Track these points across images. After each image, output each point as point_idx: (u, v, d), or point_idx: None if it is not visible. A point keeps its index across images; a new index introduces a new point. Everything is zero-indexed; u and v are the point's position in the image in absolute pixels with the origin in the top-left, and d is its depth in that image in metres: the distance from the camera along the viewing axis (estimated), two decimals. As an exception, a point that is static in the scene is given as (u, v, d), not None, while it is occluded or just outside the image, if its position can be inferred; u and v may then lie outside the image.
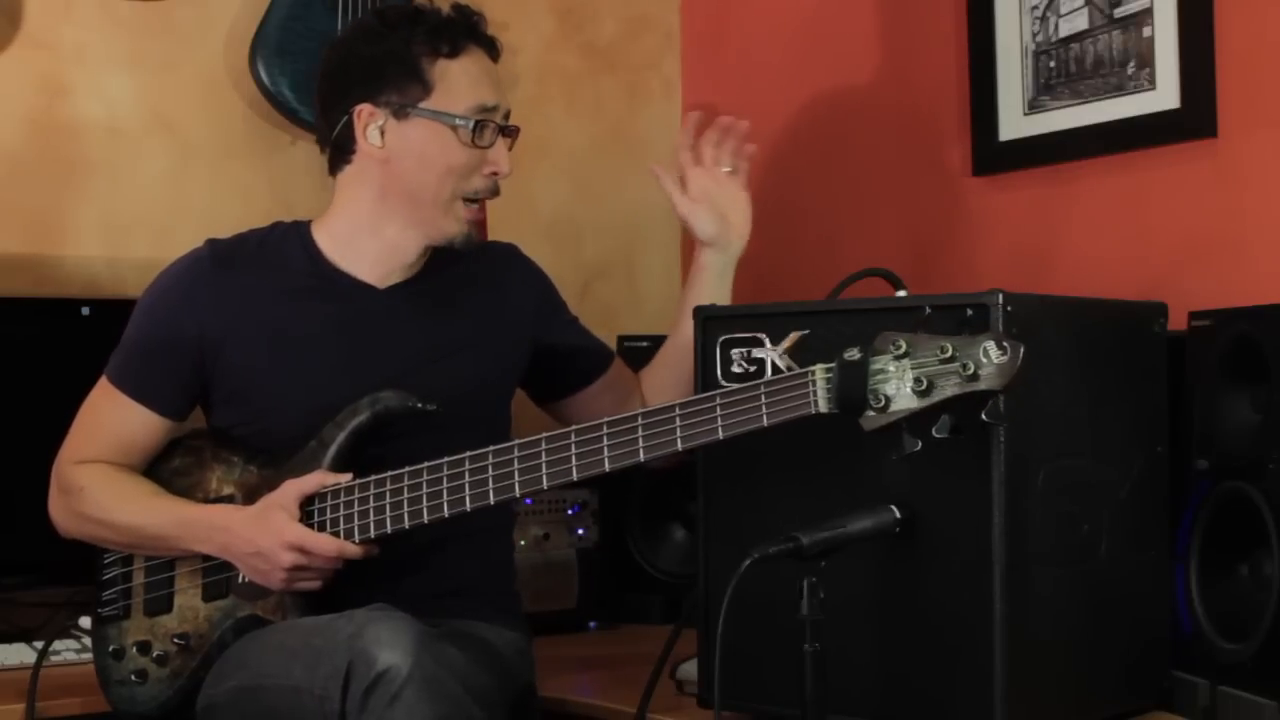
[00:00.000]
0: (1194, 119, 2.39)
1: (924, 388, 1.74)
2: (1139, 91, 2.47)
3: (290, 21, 2.85)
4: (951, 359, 1.73)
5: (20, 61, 2.77)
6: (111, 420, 2.24)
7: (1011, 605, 1.81)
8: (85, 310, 2.67)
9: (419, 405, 2.14)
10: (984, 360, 1.71)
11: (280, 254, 2.27)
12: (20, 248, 2.76)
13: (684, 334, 2.24)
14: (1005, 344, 1.70)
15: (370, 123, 2.21)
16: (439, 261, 2.29)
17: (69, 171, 2.81)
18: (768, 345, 1.99)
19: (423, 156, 2.20)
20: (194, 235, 2.37)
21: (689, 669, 2.16)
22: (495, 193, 2.26)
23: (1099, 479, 1.96)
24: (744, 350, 2.01)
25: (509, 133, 2.25)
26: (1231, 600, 1.97)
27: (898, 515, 1.85)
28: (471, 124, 2.19)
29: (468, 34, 2.23)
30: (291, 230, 2.30)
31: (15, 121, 2.77)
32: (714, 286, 2.37)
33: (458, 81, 2.21)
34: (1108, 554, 1.96)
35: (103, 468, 2.22)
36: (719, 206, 2.39)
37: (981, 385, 1.71)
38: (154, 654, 2.18)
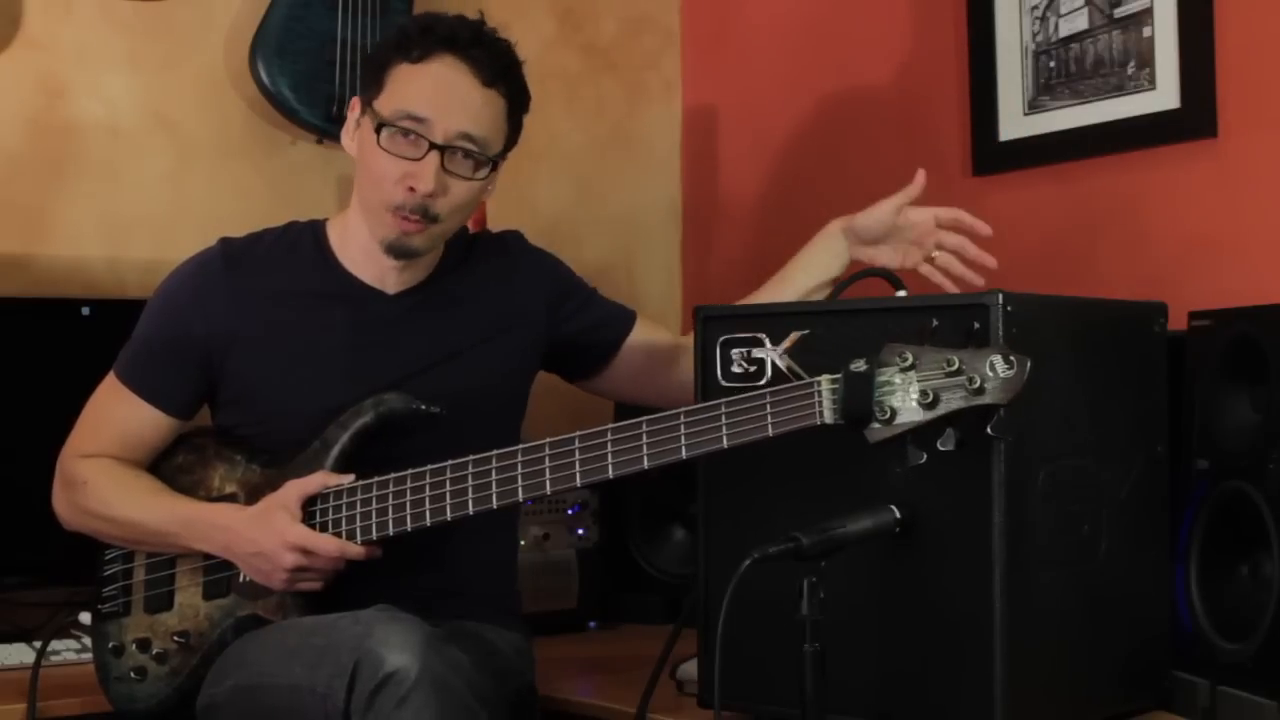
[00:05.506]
0: (1194, 119, 2.39)
1: (929, 400, 1.74)
2: (1139, 91, 2.47)
3: (290, 21, 2.85)
4: (957, 372, 1.72)
5: (20, 61, 2.77)
6: (118, 416, 2.24)
7: (1011, 605, 1.81)
8: (85, 310, 2.67)
9: (422, 407, 2.13)
10: (990, 374, 1.71)
11: (293, 255, 2.27)
12: (20, 248, 2.76)
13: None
14: (1012, 358, 1.70)
15: (350, 117, 2.24)
16: (447, 263, 2.29)
17: (69, 171, 2.81)
18: (768, 345, 1.98)
19: (359, 157, 2.21)
20: (194, 235, 2.37)
21: (689, 669, 2.15)
22: (423, 212, 2.13)
23: (1099, 479, 1.96)
24: (744, 350, 2.00)
25: (447, 153, 2.12)
26: (1231, 600, 1.97)
27: (898, 515, 1.84)
28: (387, 129, 2.13)
29: (442, 43, 2.14)
30: (306, 230, 2.30)
31: (15, 121, 2.77)
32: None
33: (401, 86, 2.15)
34: (1108, 554, 1.96)
35: (106, 463, 2.22)
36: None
37: (987, 399, 1.71)
38: (154, 651, 2.18)
